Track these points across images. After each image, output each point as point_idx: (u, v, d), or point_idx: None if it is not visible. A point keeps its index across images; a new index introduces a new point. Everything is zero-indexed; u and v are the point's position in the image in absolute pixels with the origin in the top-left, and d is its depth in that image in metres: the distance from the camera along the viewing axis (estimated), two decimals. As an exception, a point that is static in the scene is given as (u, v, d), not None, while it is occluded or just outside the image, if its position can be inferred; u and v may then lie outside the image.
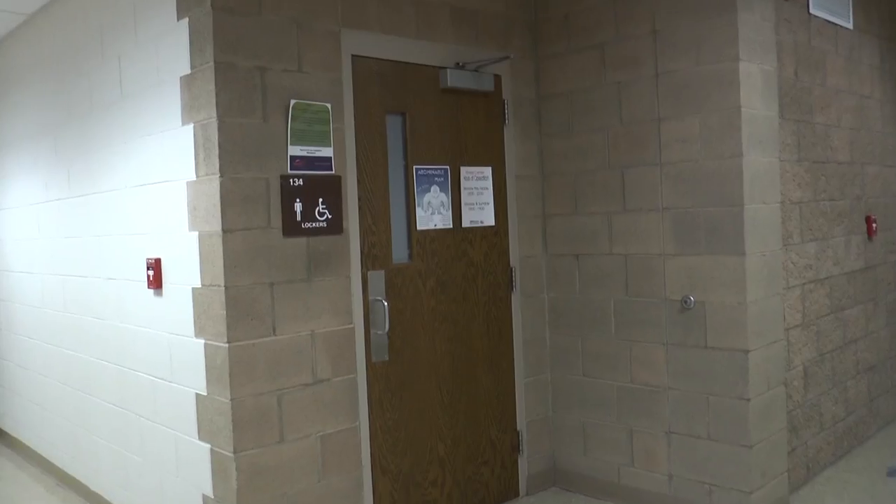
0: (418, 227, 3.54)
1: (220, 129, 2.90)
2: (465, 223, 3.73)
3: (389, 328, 3.42)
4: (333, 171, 3.23)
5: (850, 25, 4.38)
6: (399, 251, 3.50)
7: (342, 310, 3.25)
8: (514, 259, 3.96)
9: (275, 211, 3.05)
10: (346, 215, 3.27)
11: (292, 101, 3.09)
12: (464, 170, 3.73)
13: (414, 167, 3.53)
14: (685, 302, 3.53)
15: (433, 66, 3.62)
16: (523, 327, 3.99)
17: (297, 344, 3.10)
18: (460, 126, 3.73)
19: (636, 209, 3.71)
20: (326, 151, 3.21)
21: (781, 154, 3.73)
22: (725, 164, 3.39)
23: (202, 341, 3.04)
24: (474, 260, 3.77)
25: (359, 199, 3.33)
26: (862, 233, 4.51)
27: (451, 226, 3.67)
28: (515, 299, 3.96)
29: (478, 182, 3.79)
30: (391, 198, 3.46)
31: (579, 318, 3.97)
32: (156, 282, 3.30)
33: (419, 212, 3.54)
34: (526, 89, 4.05)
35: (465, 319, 3.73)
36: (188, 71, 3.03)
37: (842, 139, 4.32)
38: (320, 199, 3.18)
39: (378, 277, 3.38)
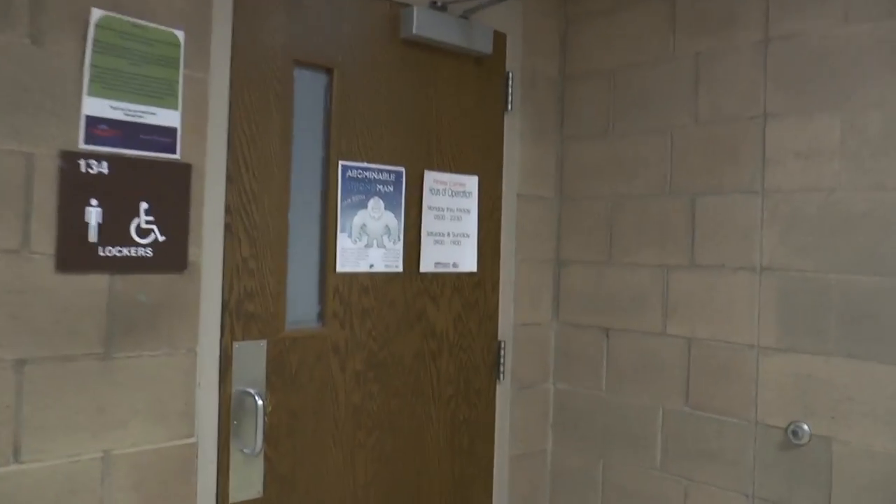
0: (340, 269, 2.05)
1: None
2: (427, 265, 2.23)
3: (268, 444, 1.92)
4: (178, 155, 1.76)
5: None
6: (300, 308, 2.01)
7: (174, 411, 1.76)
8: (504, 328, 2.46)
9: (41, 220, 1.58)
10: (199, 238, 1.79)
11: (96, 14, 1.63)
12: (431, 177, 2.24)
13: (340, 164, 2.05)
14: (794, 433, 2.02)
15: (390, 0, 2.15)
16: (512, 436, 2.48)
17: (70, 478, 1.61)
18: (431, 104, 2.25)
19: (713, 265, 2.21)
20: (167, 117, 1.74)
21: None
22: (891, 200, 1.90)
23: None
24: (437, 327, 2.27)
25: (227, 212, 1.85)
26: None
27: (401, 268, 2.18)
28: (503, 392, 2.45)
29: (454, 199, 2.30)
30: (292, 213, 1.98)
31: (603, 429, 2.46)
32: None
33: (344, 241, 2.05)
34: (544, 62, 2.57)
35: (415, 426, 2.22)
36: None
37: None
38: (144, 205, 1.70)
39: (254, 353, 1.89)
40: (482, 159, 2.38)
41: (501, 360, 2.44)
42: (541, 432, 2.58)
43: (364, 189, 2.08)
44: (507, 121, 2.45)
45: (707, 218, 2.23)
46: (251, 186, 1.88)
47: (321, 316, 2.03)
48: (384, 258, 2.13)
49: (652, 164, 2.36)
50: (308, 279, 2.01)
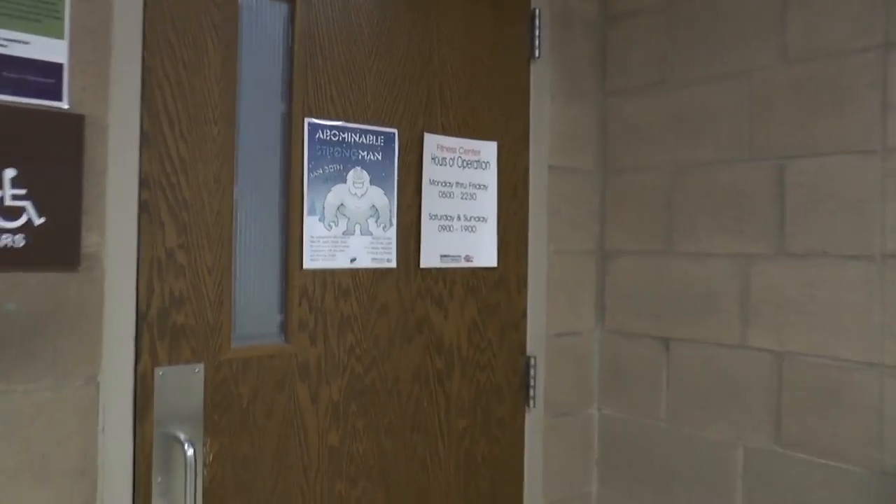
0: (308, 264, 1.51)
1: None
2: (430, 258, 1.69)
3: (209, 506, 1.39)
4: (65, 103, 1.24)
5: None
6: (253, 318, 1.47)
7: (64, 470, 1.24)
8: (534, 339, 1.91)
9: None
10: (100, 222, 1.27)
11: None
12: (433, 141, 1.70)
13: (307, 122, 1.51)
14: (940, 485, 1.45)
15: None
16: (546, 478, 1.93)
17: None
18: (432, 47, 1.71)
19: (812, 252, 1.65)
20: (47, 48, 1.22)
21: None
22: None
23: None
24: (445, 340, 1.73)
25: (143, 185, 1.32)
26: None
27: (394, 263, 1.64)
28: (534, 422, 1.90)
29: (465, 172, 1.75)
30: (240, 189, 1.45)
31: (664, 470, 1.90)
32: None
33: (313, 226, 1.52)
34: (580, -2, 2.03)
35: (416, 472, 1.68)
36: None
37: None
38: (10, 172, 1.19)
39: (185, 382, 1.36)
40: (502, 120, 1.83)
41: (531, 381, 1.89)
42: (583, 472, 2.03)
43: (341, 156, 1.55)
44: (534, 71, 1.90)
45: (801, 189, 1.66)
46: (179, 150, 1.36)
47: (283, 328, 1.50)
48: (371, 249, 1.59)
49: (724, 121, 1.80)
50: (264, 279, 1.48)
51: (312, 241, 1.50)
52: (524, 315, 1.88)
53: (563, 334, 1.97)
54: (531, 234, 1.89)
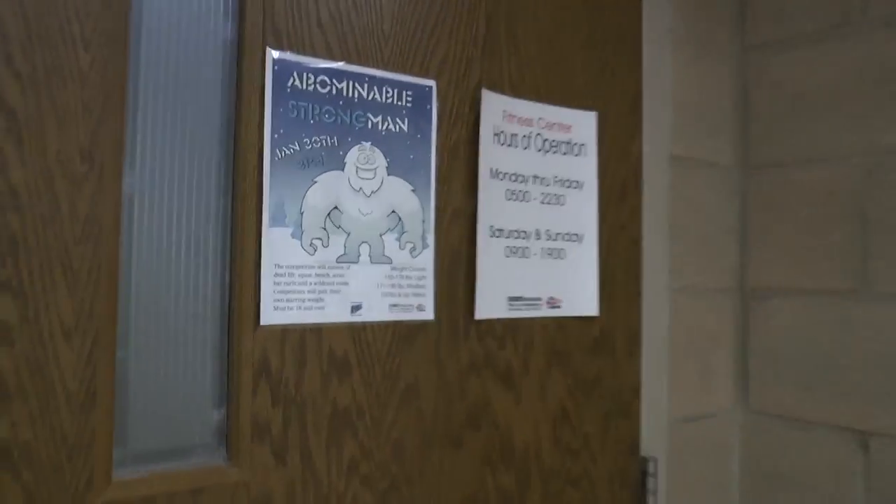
0: (268, 318, 0.81)
1: None
2: (491, 304, 0.99)
3: None
4: None
5: None
6: (162, 423, 0.78)
7: None
8: (652, 430, 1.19)
9: None
10: None
11: None
12: (496, 104, 1.00)
13: (271, 54, 0.82)
14: None
15: None
16: None
17: None
18: (493, -49, 1.02)
19: None
20: None
21: None
22: None
23: None
24: (516, 439, 1.02)
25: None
26: None
27: (430, 313, 0.93)
28: (650, 564, 1.18)
29: (548, 159, 1.05)
30: (135, 171, 0.76)
31: None
32: None
33: (280, 247, 0.82)
34: None
35: None
36: None
37: None
38: None
39: (4, 561, 0.67)
40: (603, 80, 1.14)
41: (650, 496, 1.17)
42: None
43: (335, 123, 0.86)
44: (648, 14, 1.21)
45: None
46: (5, 94, 0.68)
47: (224, 436, 0.81)
48: (389, 289, 0.90)
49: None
50: (187, 346, 0.79)
51: (280, 276, 0.82)
52: (636, 393, 1.17)
53: (692, 419, 1.26)
54: (646, 263, 1.19)
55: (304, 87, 0.84)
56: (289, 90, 0.83)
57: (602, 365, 1.12)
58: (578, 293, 1.08)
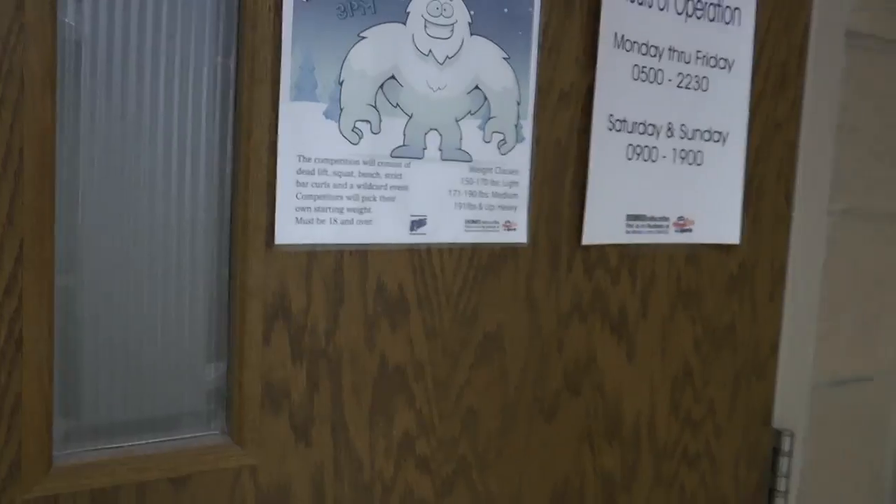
0: (284, 236, 0.55)
1: None
2: (603, 225, 0.71)
3: None
4: None
5: None
6: (130, 383, 0.53)
7: None
8: (789, 396, 0.91)
9: None
10: None
11: None
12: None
13: None
14: None
15: None
16: None
17: None
18: None
19: None
20: None
21: None
22: None
23: None
24: (625, 407, 0.76)
25: None
26: None
27: (523, 234, 0.66)
28: (775, 559, 0.92)
29: (691, 25, 0.75)
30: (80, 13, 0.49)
31: None
32: None
33: (306, 130, 0.55)
34: None
35: None
36: None
37: None
38: None
39: None
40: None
41: (781, 483, 0.91)
42: None
43: (396, -55, 0.58)
44: None
45: None
46: None
47: (224, 406, 0.56)
48: (465, 199, 0.62)
49: None
50: (166, 268, 0.54)
51: (306, 173, 0.55)
52: (774, 349, 0.89)
53: (843, 381, 0.98)
54: (801, 176, 0.89)
55: None
56: None
57: (737, 311, 0.84)
58: (716, 213, 0.80)
